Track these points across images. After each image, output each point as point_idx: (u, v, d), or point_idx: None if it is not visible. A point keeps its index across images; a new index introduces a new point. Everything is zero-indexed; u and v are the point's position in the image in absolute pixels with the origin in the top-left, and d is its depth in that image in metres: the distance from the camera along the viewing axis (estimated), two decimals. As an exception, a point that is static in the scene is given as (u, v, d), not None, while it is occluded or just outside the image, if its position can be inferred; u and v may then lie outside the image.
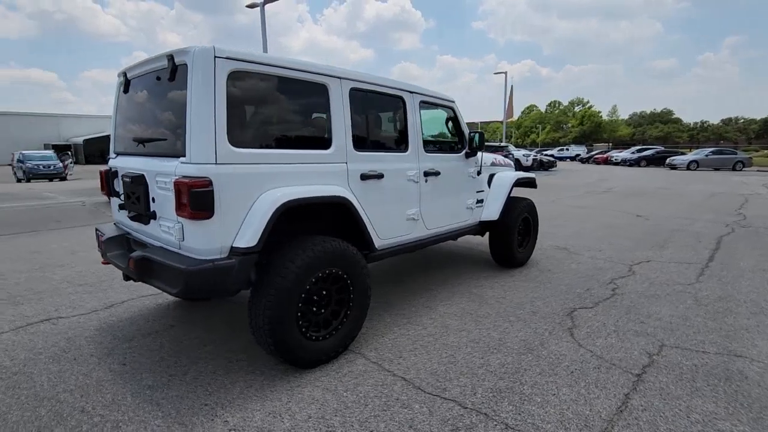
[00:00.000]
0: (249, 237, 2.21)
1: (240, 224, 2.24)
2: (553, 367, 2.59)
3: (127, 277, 2.77)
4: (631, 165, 29.16)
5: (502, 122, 36.62)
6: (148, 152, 2.55)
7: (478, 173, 4.13)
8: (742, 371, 2.55)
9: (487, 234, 4.53)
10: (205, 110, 2.11)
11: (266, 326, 2.29)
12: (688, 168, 24.72)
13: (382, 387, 2.38)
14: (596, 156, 35.25)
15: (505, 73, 27.89)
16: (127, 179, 2.55)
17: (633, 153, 31.06)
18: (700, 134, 70.38)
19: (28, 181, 19.30)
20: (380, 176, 2.98)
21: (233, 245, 2.22)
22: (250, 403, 2.23)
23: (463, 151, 3.93)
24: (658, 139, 64.01)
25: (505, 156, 18.71)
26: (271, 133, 2.50)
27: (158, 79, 2.40)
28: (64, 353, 2.78)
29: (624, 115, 77.83)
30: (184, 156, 2.16)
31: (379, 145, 3.20)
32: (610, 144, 56.67)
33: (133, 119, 2.78)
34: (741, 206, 9.48)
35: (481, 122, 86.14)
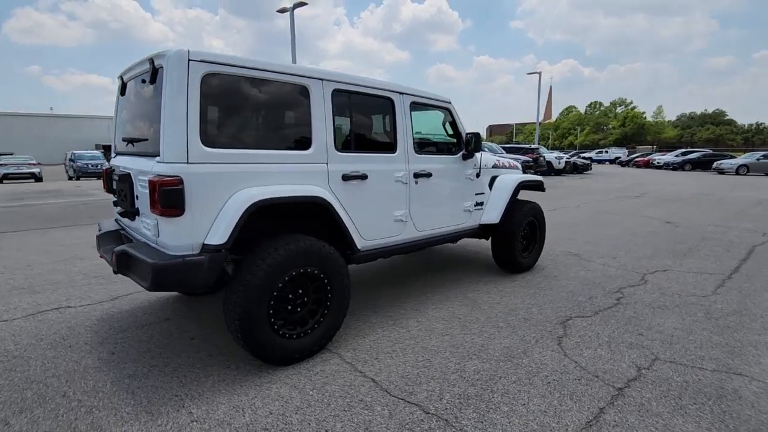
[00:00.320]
0: (220, 235, 2.27)
1: (212, 222, 2.31)
2: (531, 377, 2.51)
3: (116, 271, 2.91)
4: (674, 169, 27.64)
5: (539, 124, 35.68)
6: (135, 152, 2.68)
7: (477, 175, 4.06)
8: (737, 390, 2.37)
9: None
10: (178, 111, 2.19)
11: (236, 322, 2.34)
12: (737, 173, 23.13)
13: (350, 387, 2.38)
14: (637, 159, 33.69)
15: (539, 73, 27.20)
16: (116, 177, 2.68)
17: (677, 156, 29.42)
18: (755, 137, 65.75)
19: (78, 179, 20.60)
20: (364, 177, 2.98)
21: (205, 242, 2.29)
22: (218, 397, 2.29)
23: (460, 153, 3.86)
24: (708, 141, 60.39)
25: (536, 159, 18.42)
26: (246, 133, 2.56)
27: (143, 81, 2.52)
28: (62, 340, 2.96)
29: (671, 116, 74.03)
30: (160, 155, 2.25)
31: (363, 146, 3.21)
32: (654, 147, 53.99)
33: (127, 120, 2.92)
34: (787, 214, 8.80)
35: (516, 124, 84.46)
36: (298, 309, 2.62)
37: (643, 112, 63.88)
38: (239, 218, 2.29)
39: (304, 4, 15.53)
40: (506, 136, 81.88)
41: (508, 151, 18.49)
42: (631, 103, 68.90)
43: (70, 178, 21.10)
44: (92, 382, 2.43)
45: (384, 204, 3.17)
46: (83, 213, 8.97)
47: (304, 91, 2.70)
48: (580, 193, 13.19)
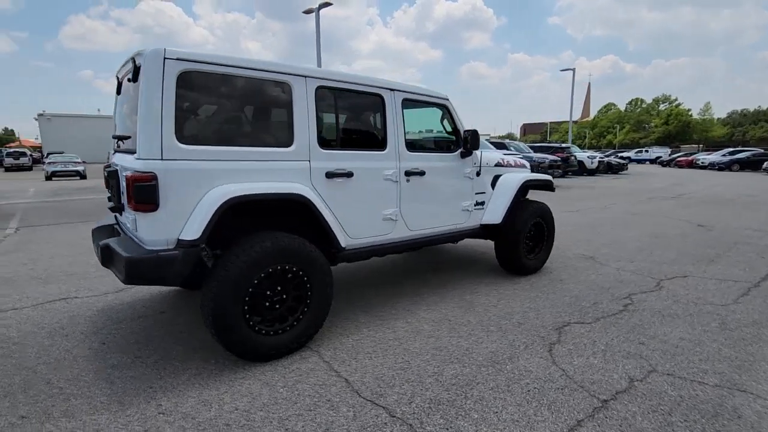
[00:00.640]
0: (194, 230, 2.30)
1: (188, 217, 2.34)
2: (510, 384, 2.39)
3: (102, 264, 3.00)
4: (720, 169, 26.00)
5: (574, 122, 34.46)
6: (124, 149, 2.75)
7: (478, 174, 3.93)
8: (738, 409, 2.17)
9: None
10: (153, 108, 2.23)
11: (209, 317, 2.36)
12: (790, 173, 21.50)
13: (320, 387, 2.35)
14: (679, 159, 31.96)
15: (573, 69, 26.23)
16: (106, 173, 2.77)
17: (724, 155, 27.65)
18: (816, 135, 60.77)
19: (117, 176, 21.63)
20: (349, 175, 2.95)
21: (180, 237, 2.32)
22: (189, 390, 2.31)
23: (458, 151, 3.76)
24: (762, 140, 56.32)
25: (566, 158, 17.77)
26: (224, 130, 2.58)
27: (129, 80, 2.58)
28: (61, 330, 3.09)
29: (720, 113, 69.68)
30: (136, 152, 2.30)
31: (350, 143, 3.17)
32: (700, 146, 51.03)
33: (120, 118, 3.01)
34: (839, 218, 8.07)
35: (550, 122, 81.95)
36: (277, 306, 2.61)
37: (689, 110, 60.36)
38: (213, 215, 2.31)
39: (329, 4, 15.67)
40: (540, 135, 79.70)
41: (537, 150, 17.97)
42: (676, 99, 65.30)
43: (111, 176, 22.18)
44: (77, 371, 2.52)
45: (372, 202, 3.12)
46: (113, 209, 9.39)
47: (286, 88, 2.69)
48: (610, 194, 12.64)
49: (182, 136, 2.33)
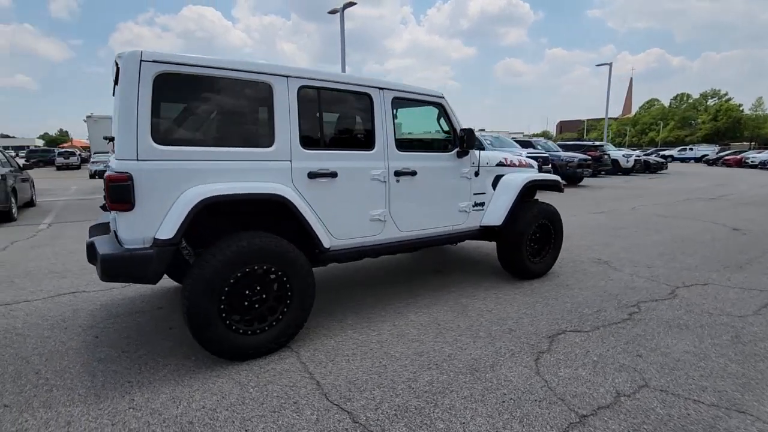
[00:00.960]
0: (168, 230, 2.34)
1: (164, 217, 2.38)
2: (486, 393, 2.30)
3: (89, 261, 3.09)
4: (772, 168, 24.27)
5: (614, 119, 33.08)
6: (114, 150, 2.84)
7: (476, 174, 3.81)
8: (731, 432, 1.99)
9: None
10: (129, 110, 2.28)
11: (185, 315, 2.40)
12: None
13: (290, 388, 2.34)
14: (726, 157, 30.04)
15: (610, 64, 25.10)
16: (96, 174, 2.87)
17: (777, 154, 25.77)
18: None
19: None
20: (333, 175, 2.92)
21: (155, 236, 2.37)
22: (164, 386, 2.36)
23: (454, 150, 3.65)
24: (822, 137, 52.05)
25: (600, 156, 17.07)
26: (202, 131, 2.61)
27: (114, 82, 2.66)
28: (62, 322, 3.24)
29: (776, 108, 64.76)
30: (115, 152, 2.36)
31: (335, 143, 3.14)
32: (752, 143, 47.79)
33: (113, 119, 3.11)
34: None
35: (588, 119, 78.99)
36: (256, 306, 2.62)
37: (740, 105, 56.57)
38: (187, 215, 2.34)
39: (353, 3, 15.72)
40: (578, 133, 76.93)
41: (568, 149, 17.37)
42: (726, 94, 61.36)
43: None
44: (66, 363, 2.63)
45: (358, 203, 3.08)
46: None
47: (266, 89, 2.69)
48: (642, 195, 12.03)
49: (159, 137, 2.37)
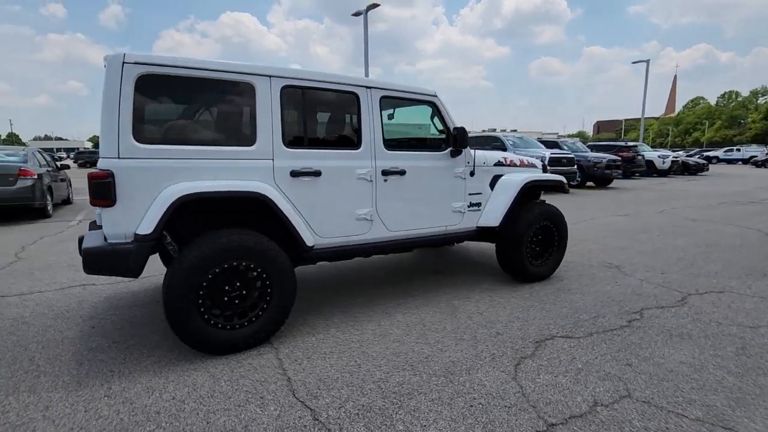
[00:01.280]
0: (146, 226, 2.42)
1: (144, 213, 2.47)
2: (455, 397, 2.24)
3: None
4: (828, 170, 22.49)
5: (655, 119, 31.67)
6: None
7: (472, 173, 3.74)
8: (710, 450, 1.85)
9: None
10: (111, 110, 2.38)
11: (164, 308, 2.48)
12: None
13: (260, 383, 2.37)
14: (777, 158, 28.10)
15: (647, 61, 24.02)
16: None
17: (834, 155, 23.87)
18: None
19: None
20: (317, 173, 2.94)
21: (136, 232, 2.46)
22: (142, 377, 2.44)
23: (447, 150, 3.59)
24: None
25: (633, 157, 16.38)
26: (184, 130, 2.68)
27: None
28: (66, 313, 3.41)
29: (837, 106, 59.92)
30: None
31: (319, 142, 3.15)
32: (809, 144, 44.35)
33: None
34: None
35: (626, 119, 75.94)
36: (236, 301, 2.67)
37: (796, 103, 52.87)
38: (165, 211, 2.41)
39: (377, 5, 15.79)
40: (615, 133, 74.09)
41: (598, 149, 16.75)
42: (780, 91, 57.54)
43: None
44: (59, 351, 2.76)
45: (342, 201, 3.09)
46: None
47: (249, 88, 2.74)
48: (674, 197, 11.44)
49: (141, 136, 2.46)
